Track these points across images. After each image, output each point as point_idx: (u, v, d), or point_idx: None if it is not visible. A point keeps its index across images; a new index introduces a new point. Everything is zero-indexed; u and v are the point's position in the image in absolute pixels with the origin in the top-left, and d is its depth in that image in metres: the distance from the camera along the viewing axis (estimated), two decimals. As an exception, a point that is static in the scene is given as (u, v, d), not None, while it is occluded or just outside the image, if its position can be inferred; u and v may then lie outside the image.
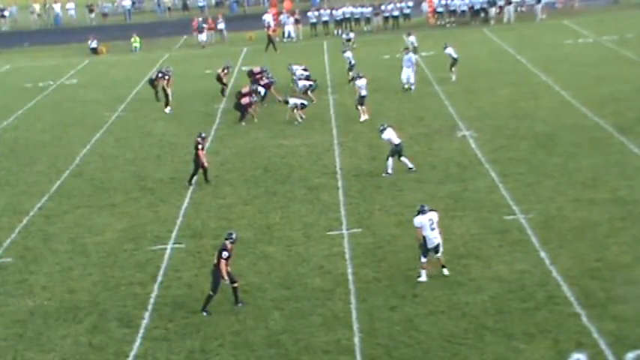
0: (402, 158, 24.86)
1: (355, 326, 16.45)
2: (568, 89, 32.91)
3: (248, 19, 60.20)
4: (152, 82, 36.92)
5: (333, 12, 52.62)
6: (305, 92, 33.35)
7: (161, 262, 20.13)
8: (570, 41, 43.45)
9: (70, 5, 67.14)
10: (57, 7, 67.00)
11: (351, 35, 46.25)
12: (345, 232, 21.08)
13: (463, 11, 52.26)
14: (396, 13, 52.60)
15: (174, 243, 21.24)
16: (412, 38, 39.88)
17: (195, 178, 25.29)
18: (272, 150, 28.39)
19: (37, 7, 67.46)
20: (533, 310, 16.52)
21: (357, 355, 15.50)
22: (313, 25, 52.36)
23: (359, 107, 30.83)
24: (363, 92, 30.82)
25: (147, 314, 17.62)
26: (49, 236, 22.38)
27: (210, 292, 17.35)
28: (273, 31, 49.51)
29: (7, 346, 16.85)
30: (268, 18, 51.77)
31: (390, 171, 24.72)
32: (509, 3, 51.13)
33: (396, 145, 24.75)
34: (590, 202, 21.58)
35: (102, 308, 18.08)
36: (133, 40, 52.39)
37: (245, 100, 31.97)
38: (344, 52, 38.85)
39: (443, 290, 17.58)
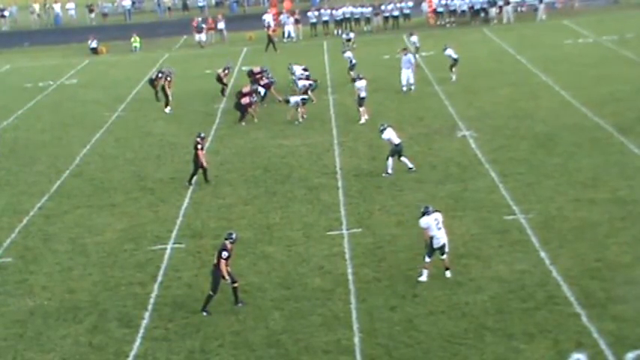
0: (402, 158, 24.86)
1: (355, 326, 16.45)
2: (568, 89, 32.91)
3: (248, 19, 60.22)
4: (152, 82, 36.94)
5: (333, 12, 52.61)
6: (305, 92, 33.33)
7: (161, 262, 20.13)
8: (570, 41, 43.45)
9: (70, 5, 67.16)
10: (57, 7, 67.03)
11: (351, 35, 46.25)
12: (345, 232, 21.08)
13: (463, 11, 52.27)
14: (396, 13, 52.60)
15: (174, 243, 21.25)
16: (414, 38, 39.87)
17: (195, 178, 25.29)
18: (272, 150, 28.39)
19: (37, 7, 67.46)
20: (533, 310, 16.52)
21: (357, 355, 15.50)
22: (313, 25, 52.36)
23: (359, 109, 30.82)
24: (363, 94, 30.80)
25: (147, 314, 17.62)
26: (49, 236, 22.38)
27: (210, 292, 17.35)
28: (273, 31, 49.51)
29: (7, 346, 16.85)
30: (268, 18, 51.77)
31: (390, 171, 24.73)
32: (508, 3, 51.13)
33: (396, 145, 24.75)
34: (590, 202, 21.58)
35: (102, 308, 18.08)
36: (133, 40, 52.39)
37: (245, 100, 31.97)
38: (344, 52, 38.85)
39: (443, 290, 17.58)
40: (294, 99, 31.45)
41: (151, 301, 18.19)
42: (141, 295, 18.49)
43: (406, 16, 52.76)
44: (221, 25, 52.80)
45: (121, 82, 41.86)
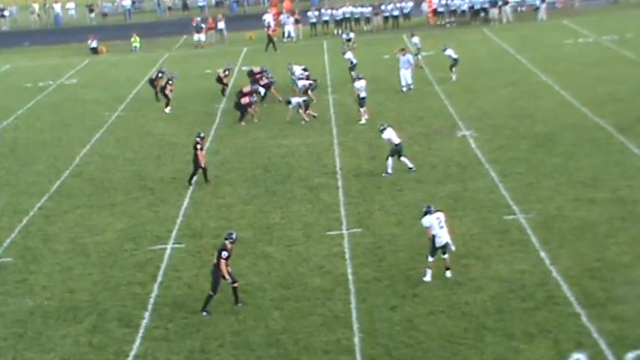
0: (402, 158, 24.86)
1: (355, 326, 16.45)
2: (568, 89, 32.91)
3: (248, 19, 60.21)
4: (152, 82, 37.00)
5: (333, 12, 52.62)
6: (305, 92, 33.33)
7: (161, 262, 20.13)
8: (570, 41, 43.45)
9: (70, 5, 67.15)
10: (57, 7, 67.02)
11: (351, 35, 46.25)
12: (345, 232, 21.08)
13: (463, 11, 52.26)
14: (396, 12, 52.60)
15: (174, 243, 21.25)
16: (416, 39, 39.80)
17: (195, 178, 25.29)
18: (272, 150, 28.39)
19: (37, 7, 67.45)
20: (533, 310, 16.52)
21: (357, 355, 15.50)
22: (313, 25, 52.36)
23: (359, 109, 30.82)
24: (363, 94, 30.80)
25: (147, 314, 17.62)
26: (49, 236, 22.38)
27: (210, 292, 17.35)
28: (273, 31, 49.50)
29: (7, 345, 16.85)
30: (268, 18, 51.77)
31: (390, 171, 24.73)
32: (506, 3, 51.12)
33: (396, 145, 24.75)
34: (590, 202, 21.58)
35: (102, 308, 18.08)
36: (133, 39, 52.39)
37: (245, 100, 31.97)
38: (344, 53, 38.83)
39: (443, 290, 17.58)
40: (295, 100, 31.42)
41: (151, 301, 18.19)
42: (141, 295, 18.49)
43: (406, 16, 52.76)
44: (221, 25, 52.79)
45: (121, 82, 41.87)
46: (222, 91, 36.47)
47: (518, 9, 53.79)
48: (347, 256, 19.67)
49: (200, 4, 65.87)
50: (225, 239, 17.66)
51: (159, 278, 19.28)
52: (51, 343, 16.80)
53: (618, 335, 15.32)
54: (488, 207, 21.83)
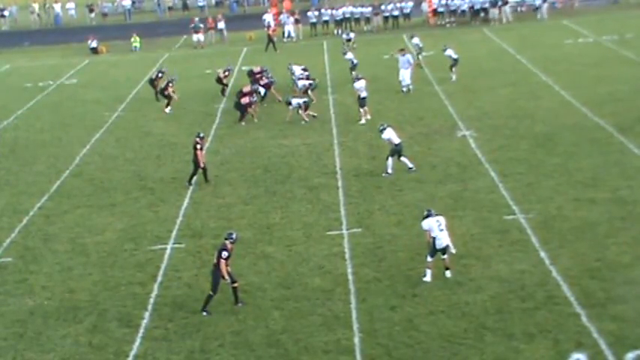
0: (402, 158, 24.86)
1: (355, 326, 16.45)
2: (568, 89, 32.91)
3: (248, 19, 60.20)
4: (152, 82, 37.00)
5: (333, 12, 52.61)
6: (305, 92, 33.34)
7: (161, 262, 20.13)
8: (570, 41, 43.45)
9: (70, 5, 67.14)
10: (57, 7, 67.02)
11: (352, 35, 46.23)
12: (345, 232, 21.08)
13: (463, 11, 52.26)
14: (396, 12, 52.59)
15: (174, 243, 21.25)
16: (416, 40, 39.76)
17: (195, 178, 25.29)
18: (272, 150, 28.39)
19: (37, 6, 67.43)
20: (533, 310, 16.52)
21: (357, 355, 15.50)
22: (313, 25, 52.35)
23: (360, 109, 30.81)
24: (363, 94, 30.80)
25: (147, 314, 17.62)
26: (49, 236, 22.38)
27: (210, 292, 17.35)
28: (273, 31, 49.49)
29: (7, 345, 16.86)
30: (268, 18, 51.77)
31: (390, 171, 24.73)
32: (506, 3, 51.11)
33: (396, 145, 24.75)
34: (590, 202, 21.58)
35: (102, 308, 18.08)
36: (133, 40, 52.39)
37: (245, 100, 31.97)
38: (344, 53, 38.84)
39: (443, 290, 17.58)
40: (295, 101, 31.41)
41: (151, 301, 18.19)
42: (141, 295, 18.49)
43: (406, 16, 52.75)
44: (221, 25, 52.78)
45: (121, 82, 41.86)
46: (222, 92, 36.47)
47: (518, 9, 53.78)
48: (347, 256, 19.67)
49: (200, 4, 65.85)
50: (226, 239, 17.66)
51: (159, 278, 19.28)
52: (51, 343, 16.80)
53: (618, 335, 15.32)
54: (488, 207, 21.83)
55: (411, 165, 24.89)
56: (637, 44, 40.45)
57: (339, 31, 51.23)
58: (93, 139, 31.53)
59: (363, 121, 30.58)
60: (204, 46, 51.39)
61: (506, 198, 22.31)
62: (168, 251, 20.77)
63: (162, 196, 24.75)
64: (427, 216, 18.09)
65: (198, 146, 24.95)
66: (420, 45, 39.46)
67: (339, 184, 24.55)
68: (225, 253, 17.21)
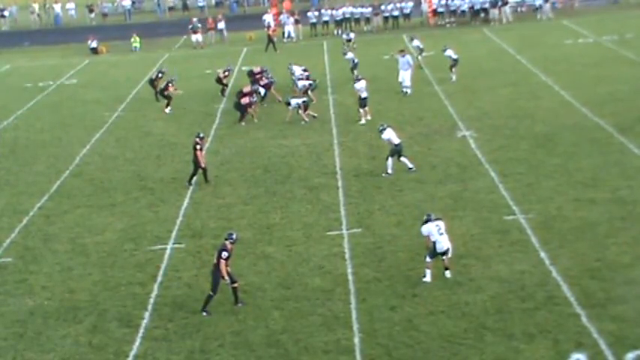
0: (402, 158, 24.86)
1: (355, 326, 16.45)
2: (568, 89, 32.91)
3: (248, 19, 60.20)
4: (152, 82, 37.00)
5: (333, 12, 52.60)
6: (305, 92, 33.34)
7: (161, 262, 20.13)
8: (570, 41, 43.45)
9: (70, 5, 67.15)
10: (57, 7, 67.01)
11: (352, 35, 46.23)
12: (345, 232, 21.08)
13: (463, 11, 52.25)
14: (396, 13, 52.59)
15: (174, 243, 21.25)
16: (416, 43, 39.74)
17: (195, 178, 25.29)
18: (272, 150, 28.39)
19: (37, 7, 67.43)
20: (533, 310, 16.52)
21: (357, 355, 15.50)
22: (313, 25, 52.35)
23: (360, 110, 30.81)
24: (364, 94, 30.80)
25: (147, 314, 17.63)
26: (49, 236, 22.38)
27: (210, 292, 17.35)
28: (273, 31, 49.49)
29: (7, 346, 16.86)
30: (268, 18, 51.77)
31: (390, 171, 24.73)
32: (506, 4, 51.10)
33: (396, 145, 24.75)
34: (590, 202, 21.58)
35: (102, 308, 18.08)
36: (133, 40, 52.39)
37: (245, 100, 31.98)
38: (345, 53, 38.85)
39: (443, 290, 17.58)
40: (294, 101, 31.41)
41: (151, 301, 18.19)
42: (141, 295, 18.49)
43: (406, 16, 52.75)
44: (221, 25, 52.78)
45: (121, 82, 41.87)
46: (222, 92, 36.48)
47: (518, 9, 53.78)
48: (347, 256, 19.67)
49: (200, 4, 65.85)
50: (226, 239, 17.67)
51: (159, 278, 19.28)
52: (51, 343, 16.80)
53: (618, 335, 15.32)
54: (488, 207, 21.83)
55: (411, 165, 24.89)
56: (637, 44, 40.45)
57: (339, 32, 51.24)
58: (93, 139, 31.53)
59: (363, 121, 30.57)
60: (204, 46, 51.38)
61: (506, 198, 22.31)
62: (168, 251, 20.77)
63: (162, 196, 24.75)
64: (426, 221, 18.11)
65: (198, 146, 24.95)
66: (421, 47, 39.44)
67: (339, 184, 24.56)
68: (225, 254, 17.22)
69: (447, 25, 51.98)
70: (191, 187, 25.09)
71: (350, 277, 18.54)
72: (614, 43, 41.51)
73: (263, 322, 16.92)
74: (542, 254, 18.88)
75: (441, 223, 18.09)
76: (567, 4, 54.95)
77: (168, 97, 34.78)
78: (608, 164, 24.26)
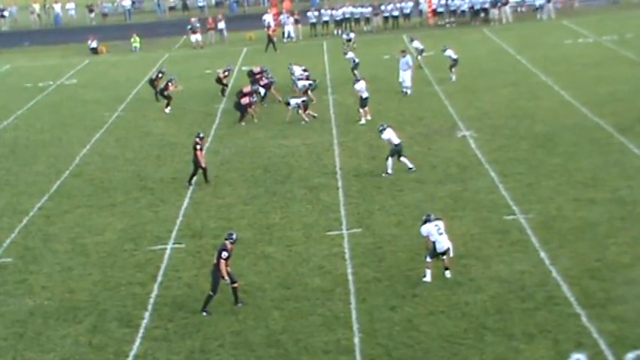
0: (402, 158, 24.86)
1: (355, 326, 16.45)
2: (568, 89, 32.91)
3: (248, 19, 60.20)
4: (152, 82, 37.00)
5: (333, 12, 52.60)
6: (305, 92, 33.34)
7: (161, 262, 20.13)
8: (570, 41, 43.45)
9: (70, 5, 67.13)
10: (57, 7, 66.99)
11: (352, 35, 46.23)
12: (345, 232, 21.08)
13: (463, 11, 52.25)
14: (395, 13, 52.59)
15: (174, 243, 21.25)
16: (416, 44, 39.73)
17: (195, 178, 25.29)
18: (272, 150, 28.39)
19: (37, 7, 67.43)
20: (533, 310, 16.52)
21: (357, 355, 15.50)
22: (313, 25, 52.34)
23: (360, 110, 30.81)
24: (365, 94, 30.80)
25: (147, 314, 17.62)
26: (49, 236, 22.38)
27: (210, 292, 17.35)
28: (273, 31, 49.49)
29: (7, 346, 16.85)
30: (268, 18, 51.77)
31: (390, 171, 24.73)
32: (506, 3, 51.10)
33: (396, 145, 24.76)
34: (590, 202, 21.58)
35: (102, 308, 18.08)
36: (132, 40, 52.38)
37: (245, 100, 31.98)
38: (345, 53, 38.85)
39: (443, 290, 17.58)
40: (294, 101, 31.42)
41: (151, 301, 18.19)
42: (141, 295, 18.49)
43: (406, 16, 52.75)
44: (221, 25, 52.77)
45: (121, 82, 41.87)
46: (222, 92, 36.48)
47: (518, 9, 53.77)
48: (347, 256, 19.67)
49: (200, 4, 65.84)
50: (226, 239, 17.67)
51: (159, 278, 19.28)
52: (51, 343, 16.80)
53: (618, 335, 15.32)
54: (488, 207, 21.84)
55: (410, 165, 24.90)
56: (637, 44, 40.46)
57: (339, 32, 51.24)
58: (93, 139, 31.53)
59: (363, 121, 30.58)
60: (203, 46, 51.36)
61: (506, 198, 22.31)
62: (168, 251, 20.77)
63: (162, 196, 24.75)
64: (426, 221, 18.11)
65: (198, 146, 24.95)
66: (420, 48, 39.41)
67: (339, 184, 24.55)
68: (225, 254, 17.22)
69: (447, 25, 51.98)
70: (191, 187, 25.09)
71: (350, 277, 18.54)
72: (614, 43, 41.51)
73: (263, 322, 16.92)
74: (542, 254, 18.88)
75: (441, 223, 18.09)
76: (567, 4, 54.95)
77: (168, 97, 34.79)
78: (608, 164, 24.27)
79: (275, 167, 26.55)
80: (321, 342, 15.99)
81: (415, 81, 35.03)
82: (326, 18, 52.62)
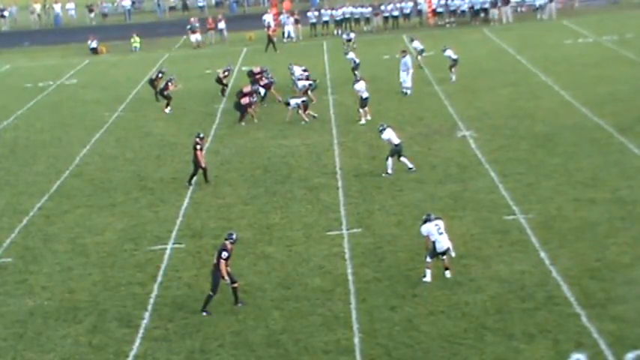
0: (402, 158, 24.86)
1: (355, 326, 16.45)
2: (568, 89, 32.91)
3: (248, 19, 60.20)
4: (152, 82, 37.00)
5: (333, 12, 52.61)
6: (305, 92, 33.35)
7: (161, 262, 20.13)
8: (570, 41, 43.45)
9: (70, 5, 67.15)
10: (57, 7, 66.99)
11: (352, 35, 46.23)
12: (344, 232, 21.08)
13: (463, 11, 52.26)
14: (395, 13, 52.59)
15: (174, 243, 21.25)
16: (416, 44, 39.73)
17: (195, 178, 25.29)
18: (272, 150, 28.39)
19: (37, 7, 67.44)
20: (533, 310, 16.52)
21: (357, 355, 15.50)
22: (313, 25, 52.35)
23: (360, 110, 30.82)
24: (365, 94, 30.80)
25: (147, 314, 17.62)
26: (49, 236, 22.38)
27: (210, 293, 17.35)
28: (273, 31, 49.49)
29: (7, 346, 16.85)
30: (268, 18, 51.78)
31: (390, 171, 24.73)
32: (507, 3, 51.11)
33: (396, 145, 24.76)
34: (590, 202, 21.58)
35: (102, 308, 18.08)
36: (132, 40, 52.38)
37: (245, 100, 31.98)
38: (346, 53, 38.86)
39: (443, 290, 17.58)
40: (294, 101, 31.43)
41: (151, 301, 18.19)
42: (141, 295, 18.49)
43: (406, 16, 52.76)
44: (221, 25, 52.77)
45: (121, 82, 41.87)
46: (222, 92, 36.49)
47: (518, 9, 53.77)
48: (347, 256, 19.67)
49: (200, 4, 65.85)
50: (226, 239, 17.67)
51: (159, 278, 19.28)
52: (51, 343, 16.80)
53: (618, 335, 15.32)
54: (488, 207, 21.84)
55: (410, 165, 24.90)
56: (637, 44, 40.46)
57: (339, 32, 51.26)
58: (93, 139, 31.53)
59: (363, 121, 30.58)
60: (203, 46, 51.35)
61: (506, 198, 22.31)
62: (168, 251, 20.77)
63: (162, 196, 24.75)
64: (426, 221, 18.11)
65: (198, 146, 24.96)
66: (420, 48, 39.41)
67: (339, 184, 24.55)
68: (225, 254, 17.22)
69: (447, 25, 51.98)
70: (191, 187, 25.10)
71: (350, 277, 18.54)
72: (614, 43, 41.51)
73: (263, 322, 16.92)
74: (542, 254, 18.88)
75: (441, 223, 18.09)
76: (567, 4, 54.94)
77: (168, 97, 34.79)
78: (608, 164, 24.27)
79: (275, 167, 26.55)
80: (321, 342, 15.99)
81: (415, 81, 35.03)
82: (326, 18, 52.64)
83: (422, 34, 46.13)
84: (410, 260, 18.99)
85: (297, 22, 52.21)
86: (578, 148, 25.91)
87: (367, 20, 52.88)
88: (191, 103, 35.99)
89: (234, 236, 17.72)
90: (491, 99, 32.82)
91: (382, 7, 53.15)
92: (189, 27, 52.18)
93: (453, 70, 36.09)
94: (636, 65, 36.45)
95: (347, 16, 52.31)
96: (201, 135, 25.87)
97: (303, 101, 31.56)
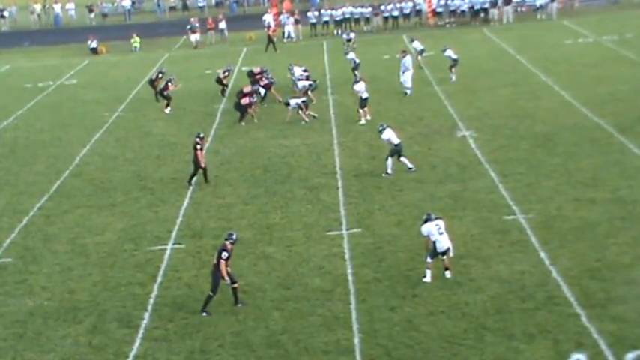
0: (402, 158, 24.87)
1: (355, 326, 16.45)
2: (568, 89, 32.91)
3: (248, 19, 60.21)
4: (152, 82, 37.00)
5: (333, 12, 52.60)
6: (305, 92, 33.35)
7: (161, 262, 20.13)
8: (570, 41, 43.44)
9: (70, 5, 67.12)
10: (57, 8, 66.97)
11: (352, 35, 46.22)
12: (344, 232, 21.08)
13: (463, 11, 52.25)
14: (395, 13, 52.59)
15: (174, 243, 21.25)
16: (416, 44, 39.72)
17: (195, 178, 25.30)
18: (272, 150, 28.39)
19: (37, 7, 67.43)
20: (533, 310, 16.52)
21: (357, 356, 15.50)
22: (313, 25, 52.34)
23: (360, 110, 30.82)
24: (365, 95, 30.80)
25: (147, 314, 17.63)
26: (49, 236, 22.38)
27: (210, 293, 17.36)
28: (273, 31, 49.48)
29: (7, 346, 16.86)
30: (268, 18, 51.77)
31: (389, 171, 24.73)
32: (508, 3, 51.11)
33: (396, 146, 24.76)
34: (590, 202, 21.58)
35: (102, 308, 18.08)
36: (132, 40, 52.37)
37: (245, 101, 31.98)
38: (347, 53, 38.86)
39: (443, 290, 17.58)
40: (293, 101, 31.43)
41: (151, 301, 18.20)
42: (141, 296, 18.49)
43: (406, 16, 52.76)
44: (222, 25, 52.76)
45: (121, 82, 41.86)
46: (222, 92, 36.49)
47: (518, 9, 53.77)
48: (347, 256, 19.67)
49: (200, 4, 65.84)
50: (226, 239, 17.67)
51: (159, 278, 19.28)
52: (51, 343, 16.80)
53: (618, 335, 15.33)
54: (488, 207, 21.84)
55: (410, 165, 24.90)
56: (637, 44, 40.46)
57: (339, 32, 51.26)
58: (93, 139, 31.53)
59: (362, 121, 30.58)
60: (202, 46, 51.33)
61: (506, 198, 22.32)
62: (168, 251, 20.77)
63: (162, 196, 24.75)
64: (426, 221, 18.11)
65: (198, 146, 24.96)
66: (419, 48, 39.40)
67: (339, 184, 24.55)
68: (225, 254, 17.22)
69: (447, 26, 51.97)
70: (191, 187, 25.10)
71: (350, 278, 18.54)
72: (614, 43, 41.51)
73: (263, 322, 16.92)
74: (542, 254, 18.88)
75: (441, 223, 18.09)
76: (567, 4, 54.94)
77: (168, 97, 34.79)
78: (608, 164, 24.27)
79: (275, 167, 26.55)
80: (321, 342, 15.99)
81: (415, 81, 35.02)
82: (326, 18, 52.62)
83: (422, 34, 46.14)
84: (410, 260, 18.99)
85: (297, 22, 52.20)
86: (578, 148, 25.91)
87: (367, 20, 52.87)
88: (191, 103, 35.99)
89: (234, 236, 17.72)
90: (491, 99, 32.82)
91: (382, 7, 53.14)
92: (189, 27, 52.16)
93: (453, 70, 36.09)
94: (636, 65, 36.45)
95: (347, 16, 52.30)
96: (201, 135, 25.87)
97: (303, 101, 31.56)
